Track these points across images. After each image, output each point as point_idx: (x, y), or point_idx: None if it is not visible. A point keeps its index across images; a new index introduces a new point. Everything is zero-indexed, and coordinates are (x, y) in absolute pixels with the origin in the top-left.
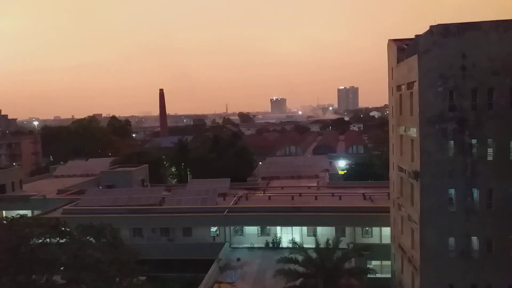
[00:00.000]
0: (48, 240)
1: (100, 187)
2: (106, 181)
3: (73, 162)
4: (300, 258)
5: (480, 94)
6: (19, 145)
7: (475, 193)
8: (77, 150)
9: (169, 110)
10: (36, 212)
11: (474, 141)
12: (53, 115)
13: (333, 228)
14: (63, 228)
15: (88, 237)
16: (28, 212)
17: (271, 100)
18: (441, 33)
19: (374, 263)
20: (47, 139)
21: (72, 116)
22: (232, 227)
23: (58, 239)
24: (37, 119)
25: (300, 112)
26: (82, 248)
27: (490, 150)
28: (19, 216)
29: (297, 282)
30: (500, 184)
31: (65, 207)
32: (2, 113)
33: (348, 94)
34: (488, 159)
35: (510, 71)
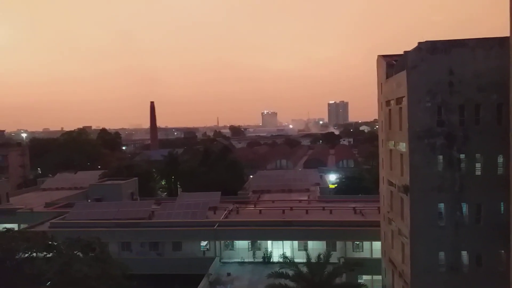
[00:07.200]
0: (34, 254)
1: (89, 201)
2: (94, 194)
3: (61, 175)
4: (291, 273)
5: (467, 109)
6: (6, 157)
7: (464, 207)
8: (66, 162)
9: (160, 123)
10: (22, 226)
11: (462, 156)
12: (42, 127)
13: (324, 242)
14: (50, 242)
15: (75, 252)
16: (14, 226)
17: (262, 113)
18: (429, 49)
19: (365, 277)
20: (35, 151)
21: (62, 128)
22: (222, 242)
23: (45, 253)
24: (25, 131)
25: (291, 126)
26: (70, 262)
27: (478, 165)
28: (5, 229)
29: None
30: (488, 198)
31: (53, 220)
32: None
33: (338, 109)
34: (476, 174)
35: (496, 88)
